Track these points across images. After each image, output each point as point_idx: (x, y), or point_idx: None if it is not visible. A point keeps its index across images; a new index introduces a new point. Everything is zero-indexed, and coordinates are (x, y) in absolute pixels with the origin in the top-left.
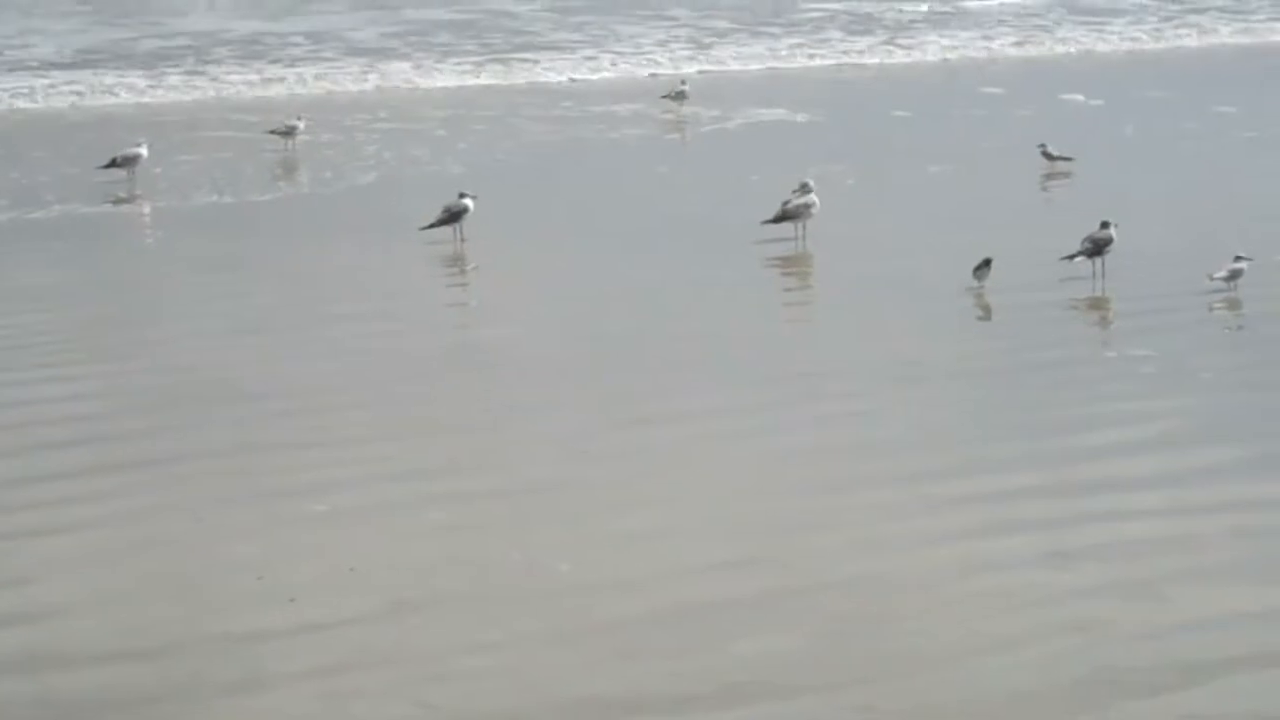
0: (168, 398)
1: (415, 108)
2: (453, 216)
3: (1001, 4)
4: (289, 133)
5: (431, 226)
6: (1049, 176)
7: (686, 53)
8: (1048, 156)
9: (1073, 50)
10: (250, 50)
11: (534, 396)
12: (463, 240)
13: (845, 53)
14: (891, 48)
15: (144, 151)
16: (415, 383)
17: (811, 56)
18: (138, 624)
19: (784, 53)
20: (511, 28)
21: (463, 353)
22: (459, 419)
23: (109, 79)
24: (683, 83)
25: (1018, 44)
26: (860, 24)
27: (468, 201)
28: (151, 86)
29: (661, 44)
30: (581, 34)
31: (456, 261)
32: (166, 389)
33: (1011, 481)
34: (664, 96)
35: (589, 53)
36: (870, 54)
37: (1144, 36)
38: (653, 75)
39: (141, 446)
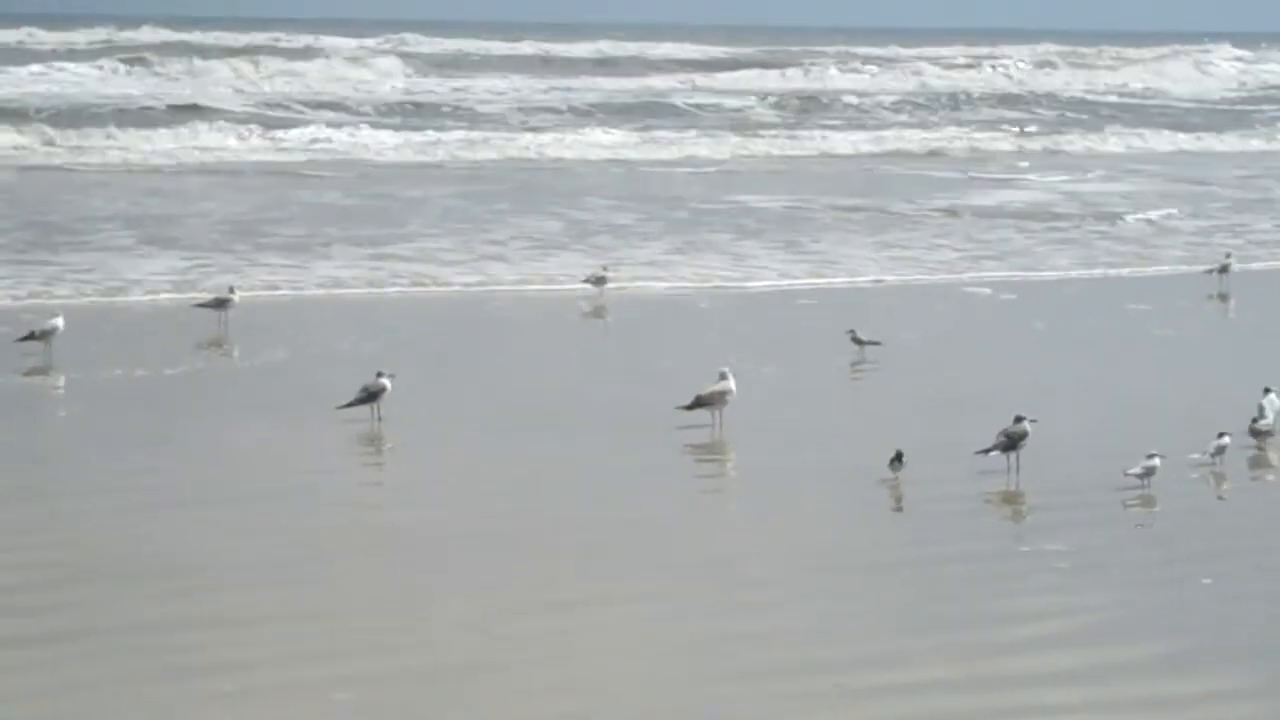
0: (77, 572)
1: (325, 288)
2: (370, 396)
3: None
4: (222, 305)
5: (349, 405)
6: (856, 365)
7: (609, 243)
8: (857, 342)
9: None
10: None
11: (447, 578)
12: (380, 419)
13: (764, 266)
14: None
15: (60, 324)
16: (329, 562)
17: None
18: None
19: (691, 254)
20: (401, 218)
21: (377, 533)
22: (371, 599)
23: None
24: (604, 268)
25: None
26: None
27: (385, 381)
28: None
29: (580, 236)
30: (498, 223)
31: (373, 441)
32: (75, 564)
33: (924, 674)
34: (584, 280)
35: (504, 241)
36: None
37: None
38: (570, 271)
39: (48, 621)
